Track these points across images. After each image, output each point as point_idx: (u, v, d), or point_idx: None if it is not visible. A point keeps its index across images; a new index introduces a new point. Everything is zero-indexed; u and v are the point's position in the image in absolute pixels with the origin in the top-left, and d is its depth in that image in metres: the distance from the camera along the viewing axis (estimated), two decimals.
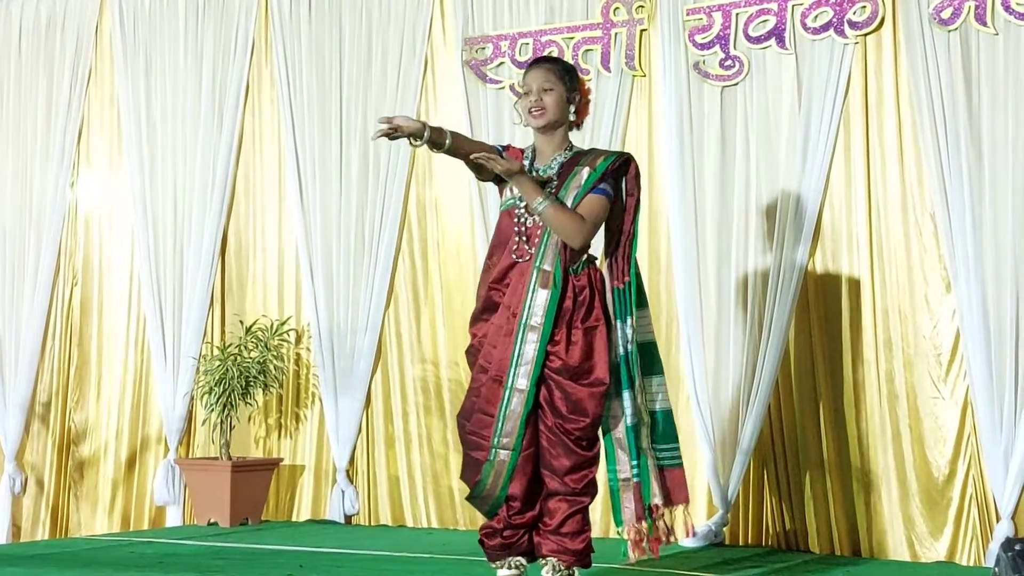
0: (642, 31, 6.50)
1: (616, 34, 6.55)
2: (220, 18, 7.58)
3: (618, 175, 4.29)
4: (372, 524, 7.02)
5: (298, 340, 7.30)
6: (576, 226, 4.13)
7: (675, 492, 4.32)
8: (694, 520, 5.77)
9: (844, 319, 5.97)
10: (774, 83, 6.15)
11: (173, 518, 7.46)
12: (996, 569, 4.26)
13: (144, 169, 7.71)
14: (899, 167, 5.91)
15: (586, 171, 4.21)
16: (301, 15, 7.36)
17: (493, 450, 4.13)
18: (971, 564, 5.61)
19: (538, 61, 4.41)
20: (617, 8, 6.55)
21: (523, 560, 4.31)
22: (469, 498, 4.35)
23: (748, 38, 6.20)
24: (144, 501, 7.63)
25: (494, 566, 4.36)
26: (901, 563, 5.71)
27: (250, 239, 7.54)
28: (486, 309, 4.31)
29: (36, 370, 7.97)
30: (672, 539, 4.43)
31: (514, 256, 4.22)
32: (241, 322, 7.21)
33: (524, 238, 4.21)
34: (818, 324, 6.02)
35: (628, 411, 4.20)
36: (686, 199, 6.27)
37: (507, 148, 4.39)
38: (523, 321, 4.12)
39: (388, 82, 7.12)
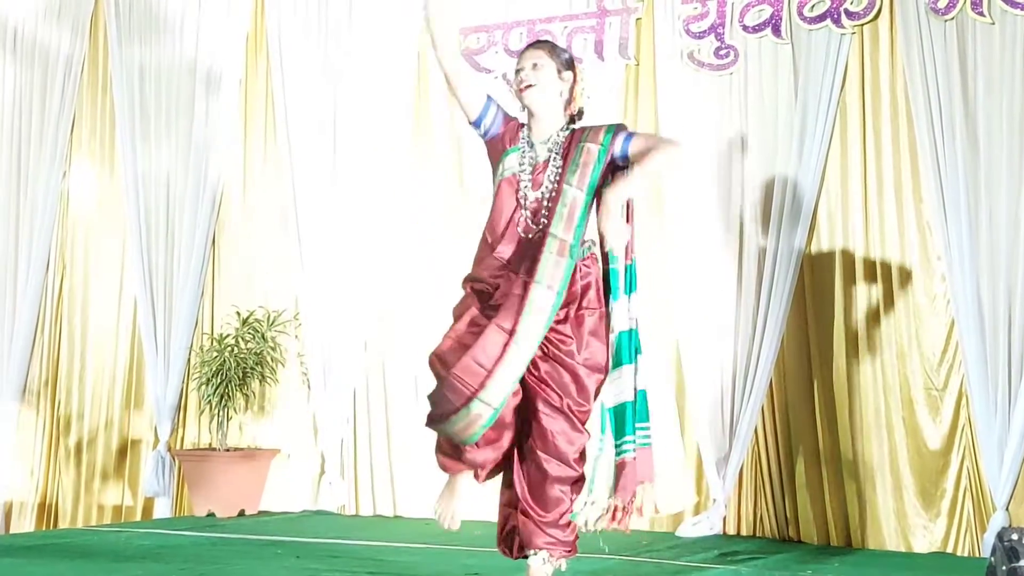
0: (637, 20, 6.49)
1: (610, 23, 6.54)
2: (214, 8, 7.55)
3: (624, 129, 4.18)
4: (356, 515, 7.02)
5: (286, 327, 7.26)
6: (665, 144, 4.11)
7: (643, 471, 4.20)
8: (682, 507, 5.83)
9: (838, 309, 5.97)
10: (770, 73, 6.15)
11: (162, 509, 7.44)
12: (992, 559, 4.28)
13: (137, 159, 7.68)
14: (895, 156, 5.91)
15: (594, 147, 4.07)
16: (296, 7, 7.33)
17: (474, 401, 3.89)
18: (966, 555, 5.63)
19: (529, 44, 4.37)
20: None
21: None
22: (429, 424, 4.13)
23: (744, 27, 6.19)
24: (137, 491, 7.62)
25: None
26: (896, 554, 5.73)
27: (240, 228, 7.52)
28: (492, 274, 4.07)
29: (27, 360, 7.94)
30: (639, 515, 4.31)
31: (520, 232, 4.07)
32: (238, 313, 7.20)
33: (529, 212, 4.07)
34: (813, 314, 6.03)
35: (627, 387, 4.07)
36: (681, 188, 6.26)
37: (507, 119, 4.22)
38: (536, 288, 3.91)
39: (381, 71, 7.09)
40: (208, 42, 7.55)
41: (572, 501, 4.05)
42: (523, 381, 4.00)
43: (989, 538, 5.37)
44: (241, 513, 6.97)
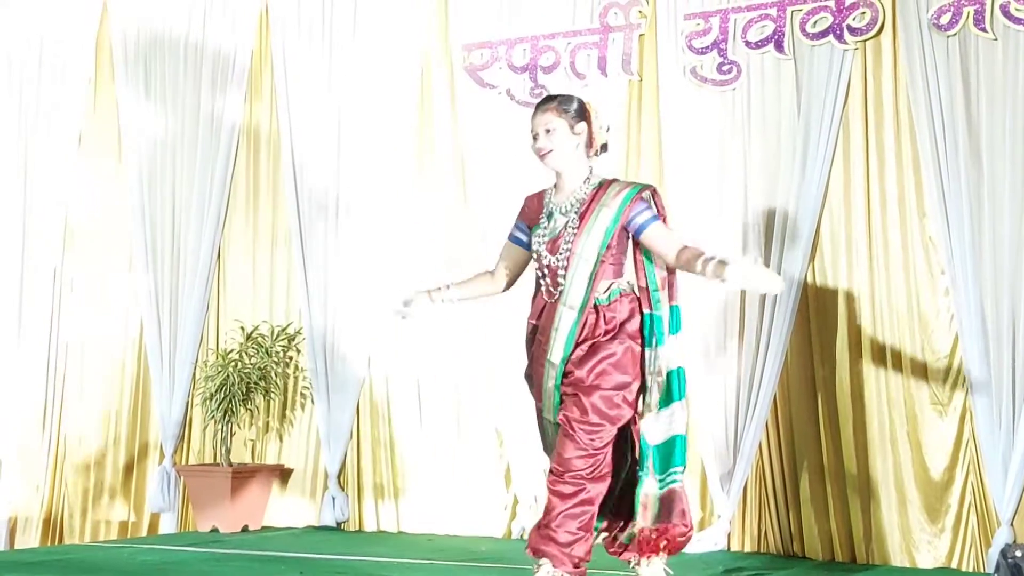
0: (640, 36, 6.50)
1: (613, 38, 6.56)
2: (219, 27, 7.57)
3: (649, 200, 4.32)
4: (359, 530, 7.01)
5: (289, 342, 7.28)
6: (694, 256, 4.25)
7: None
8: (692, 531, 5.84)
9: (842, 325, 5.97)
10: (772, 88, 6.16)
11: (168, 525, 7.44)
12: (996, 575, 4.28)
13: (143, 176, 7.70)
14: (897, 172, 5.91)
15: (609, 213, 4.24)
16: (300, 26, 7.36)
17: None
18: (970, 570, 5.62)
19: (540, 103, 4.42)
20: (615, 13, 6.56)
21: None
22: None
23: (747, 43, 6.21)
24: (143, 508, 7.62)
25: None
26: (900, 569, 5.72)
27: (245, 244, 7.53)
28: (530, 343, 4.40)
29: (33, 376, 7.94)
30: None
31: (545, 297, 4.32)
32: (242, 328, 7.20)
33: (548, 279, 4.28)
34: (817, 330, 6.03)
35: (678, 422, 4.34)
36: (684, 204, 6.26)
37: (525, 202, 4.46)
38: (550, 362, 4.23)
39: (385, 88, 7.11)
40: (213, 59, 7.56)
41: (568, 509, 4.15)
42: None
43: (994, 554, 5.36)
44: (245, 529, 6.97)
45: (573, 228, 4.24)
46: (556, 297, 4.24)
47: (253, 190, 7.55)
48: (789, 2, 6.12)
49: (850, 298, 5.98)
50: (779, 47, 6.13)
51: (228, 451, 7.04)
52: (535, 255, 4.34)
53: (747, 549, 6.11)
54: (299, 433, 7.29)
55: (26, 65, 8.13)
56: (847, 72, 5.97)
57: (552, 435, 4.29)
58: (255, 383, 7.03)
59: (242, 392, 7.00)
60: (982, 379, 5.58)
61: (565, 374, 4.20)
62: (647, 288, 4.32)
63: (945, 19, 5.74)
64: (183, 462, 7.48)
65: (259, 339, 7.15)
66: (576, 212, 4.26)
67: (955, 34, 5.74)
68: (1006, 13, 5.63)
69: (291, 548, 6.18)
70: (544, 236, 4.30)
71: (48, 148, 8.01)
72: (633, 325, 4.25)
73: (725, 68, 6.25)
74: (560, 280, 4.23)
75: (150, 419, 7.66)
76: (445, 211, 6.99)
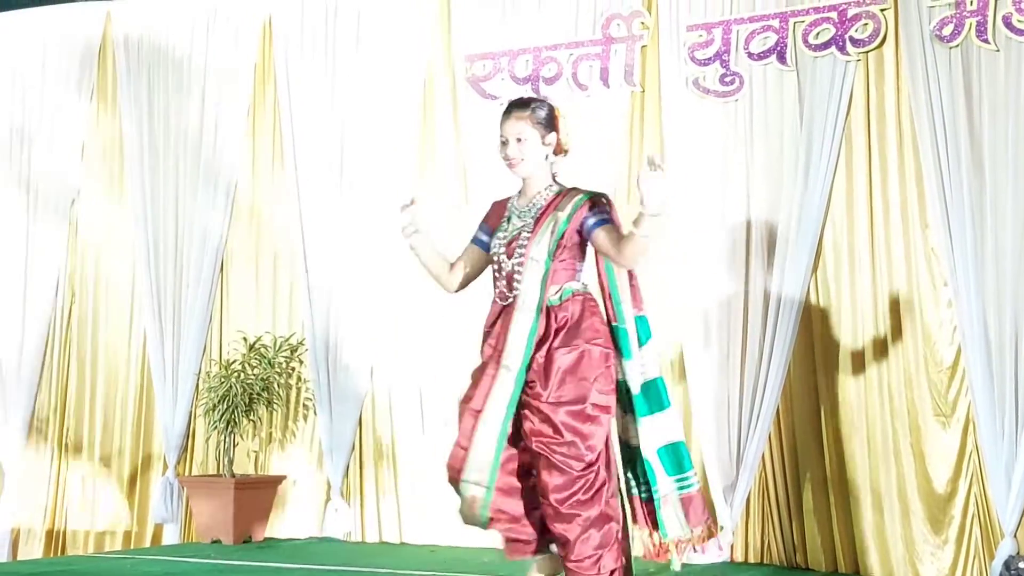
0: (642, 47, 6.51)
1: (615, 50, 6.57)
2: (222, 39, 7.59)
3: (602, 206, 4.25)
4: (362, 541, 7.01)
5: (292, 353, 7.28)
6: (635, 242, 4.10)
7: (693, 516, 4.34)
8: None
9: (845, 336, 5.97)
10: (775, 100, 6.16)
11: (171, 536, 7.44)
12: None
13: (145, 187, 7.70)
14: (900, 183, 5.92)
15: (562, 216, 4.21)
16: (303, 38, 7.37)
17: (464, 483, 4.11)
18: None
19: (510, 108, 4.40)
20: (617, 24, 6.56)
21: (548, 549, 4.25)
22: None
23: (749, 55, 6.21)
24: (146, 519, 7.61)
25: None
26: None
27: (248, 255, 7.54)
28: (483, 347, 4.32)
29: (36, 387, 7.95)
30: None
31: (498, 299, 4.27)
32: (244, 339, 7.21)
33: (504, 281, 4.24)
34: (819, 340, 6.03)
35: (673, 429, 4.28)
36: (686, 216, 6.27)
37: (492, 206, 4.43)
38: (503, 363, 4.13)
39: (388, 99, 7.12)
40: (216, 72, 7.57)
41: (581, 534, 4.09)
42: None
43: (997, 566, 5.35)
44: (247, 540, 6.96)
45: (528, 232, 4.22)
46: (510, 300, 4.20)
47: (256, 201, 7.55)
48: (791, 13, 6.13)
49: (853, 309, 5.97)
50: (781, 58, 6.14)
51: (231, 462, 7.04)
52: (494, 257, 4.30)
53: (751, 560, 6.10)
54: (302, 444, 7.29)
55: (29, 74, 8.13)
56: (849, 83, 5.97)
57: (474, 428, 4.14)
58: (258, 394, 7.03)
59: (245, 403, 7.00)
60: (985, 390, 5.57)
61: (528, 384, 4.13)
62: (611, 298, 4.26)
63: (947, 30, 5.75)
64: (186, 473, 7.47)
65: (262, 350, 7.15)
66: (532, 216, 4.24)
67: (957, 45, 5.74)
68: (1008, 24, 5.64)
69: (294, 559, 6.18)
70: (503, 239, 4.28)
71: (50, 157, 8.01)
72: (588, 325, 4.16)
73: (728, 79, 6.26)
74: (516, 284, 4.19)
75: (153, 430, 7.66)
76: (447, 222, 6.98)
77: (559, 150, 4.32)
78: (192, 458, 7.52)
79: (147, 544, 7.52)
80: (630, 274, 4.27)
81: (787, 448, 6.04)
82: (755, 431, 6.00)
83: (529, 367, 4.12)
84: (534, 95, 6.05)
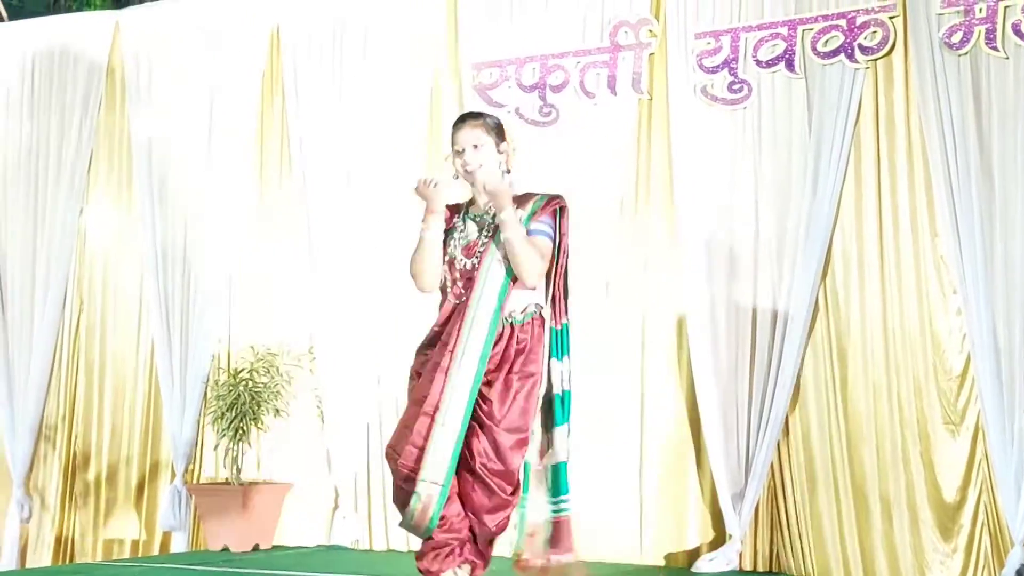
0: (650, 55, 6.51)
1: (623, 57, 6.56)
2: (230, 48, 7.59)
3: (555, 215, 4.30)
4: (370, 549, 7.00)
5: (300, 361, 7.27)
6: (538, 262, 4.18)
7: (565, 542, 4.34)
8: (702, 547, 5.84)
9: (855, 344, 5.96)
10: (784, 108, 6.16)
11: (179, 544, 7.44)
12: None
13: (154, 196, 7.71)
14: (909, 191, 5.91)
15: (523, 213, 4.24)
16: (311, 46, 7.37)
17: (422, 483, 4.12)
18: None
19: (464, 118, 4.42)
20: (625, 31, 6.56)
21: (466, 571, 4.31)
22: (400, 525, 4.32)
23: (757, 62, 6.21)
24: (154, 526, 7.61)
25: None
26: None
27: (257, 263, 7.54)
28: (429, 344, 4.32)
29: (44, 395, 7.96)
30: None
31: (452, 298, 4.27)
32: (252, 347, 7.21)
33: (460, 282, 4.25)
34: (829, 349, 6.02)
35: (557, 447, 4.26)
36: (695, 223, 6.26)
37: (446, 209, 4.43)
38: (457, 361, 4.15)
39: (395, 107, 7.12)
40: (224, 80, 7.58)
41: None
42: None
43: (1007, 574, 5.34)
44: (255, 547, 6.96)
45: (487, 233, 4.26)
46: (465, 299, 4.21)
47: (264, 210, 7.56)
48: (800, 21, 6.13)
49: (862, 317, 5.96)
50: (790, 66, 6.13)
51: (239, 470, 7.04)
52: (448, 259, 4.30)
53: (759, 568, 6.09)
54: (310, 452, 7.28)
55: (38, 83, 8.15)
56: (858, 91, 5.97)
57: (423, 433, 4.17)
58: (266, 401, 7.03)
59: (253, 411, 7.00)
60: (994, 398, 5.56)
61: (484, 398, 4.15)
62: (565, 297, 4.32)
63: (956, 38, 5.74)
64: (194, 481, 7.47)
65: (270, 358, 7.15)
66: (491, 222, 4.27)
67: (966, 53, 5.73)
68: (1017, 32, 5.63)
69: (302, 567, 6.17)
70: (460, 241, 4.30)
71: (59, 167, 8.03)
72: (536, 354, 4.22)
73: (736, 87, 6.26)
74: (472, 285, 4.21)
75: (161, 438, 7.66)
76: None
77: (508, 163, 4.35)
78: (200, 466, 7.52)
79: (155, 552, 7.52)
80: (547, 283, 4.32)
81: (796, 456, 6.03)
82: (764, 439, 5.99)
83: (489, 383, 4.16)
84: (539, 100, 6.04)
